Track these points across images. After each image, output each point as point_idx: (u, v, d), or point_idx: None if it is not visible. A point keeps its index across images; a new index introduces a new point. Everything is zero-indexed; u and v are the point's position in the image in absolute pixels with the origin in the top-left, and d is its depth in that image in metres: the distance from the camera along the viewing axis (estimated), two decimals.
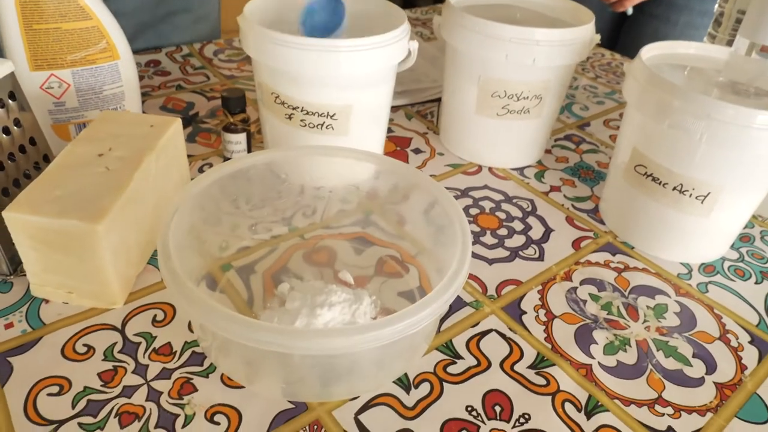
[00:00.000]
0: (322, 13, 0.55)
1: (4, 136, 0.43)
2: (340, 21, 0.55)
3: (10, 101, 0.44)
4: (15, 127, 0.44)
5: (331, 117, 0.52)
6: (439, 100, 0.76)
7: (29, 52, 0.51)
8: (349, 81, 0.51)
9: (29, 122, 0.46)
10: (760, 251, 0.55)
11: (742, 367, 0.43)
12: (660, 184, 0.49)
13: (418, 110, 0.74)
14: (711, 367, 0.43)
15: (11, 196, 0.44)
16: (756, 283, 0.51)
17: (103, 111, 0.50)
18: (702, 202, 0.48)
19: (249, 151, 0.60)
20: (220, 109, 0.70)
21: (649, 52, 0.52)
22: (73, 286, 0.42)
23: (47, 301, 0.43)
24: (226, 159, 0.60)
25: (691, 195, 0.48)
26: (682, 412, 0.39)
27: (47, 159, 0.48)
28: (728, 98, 0.47)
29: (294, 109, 0.52)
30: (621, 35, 1.12)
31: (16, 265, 0.44)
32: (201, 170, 0.59)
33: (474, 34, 0.55)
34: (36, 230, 0.39)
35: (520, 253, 0.52)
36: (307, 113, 0.52)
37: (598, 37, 0.58)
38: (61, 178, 0.41)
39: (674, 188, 0.48)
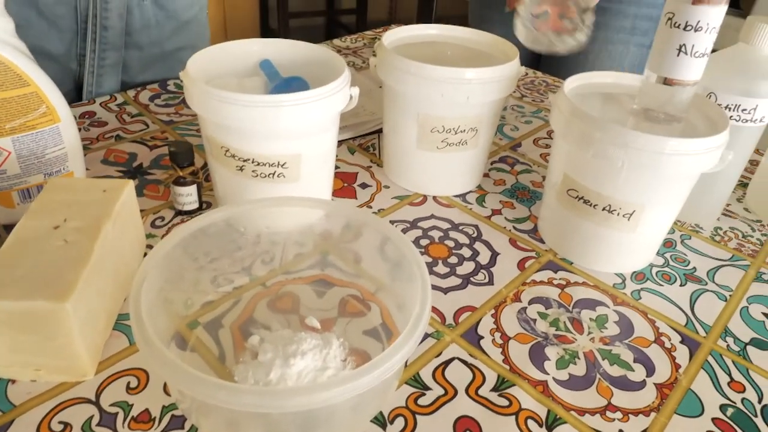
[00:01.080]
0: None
1: None
2: None
3: None
4: None
5: (282, 166, 0.54)
6: (379, 131, 0.79)
7: None
8: (296, 132, 0.53)
9: None
10: (681, 255, 0.61)
11: (676, 366, 0.48)
12: (590, 205, 0.54)
13: (360, 143, 0.77)
14: (650, 369, 0.47)
15: None
16: (681, 285, 0.57)
17: (51, 179, 0.49)
18: (628, 219, 0.53)
19: (200, 201, 0.61)
20: (164, 158, 0.70)
21: (571, 83, 0.57)
22: (40, 363, 0.42)
23: (14, 381, 0.42)
24: (177, 211, 0.61)
25: (618, 213, 0.53)
26: (629, 415, 0.44)
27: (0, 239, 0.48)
28: (642, 125, 0.53)
29: (245, 161, 0.53)
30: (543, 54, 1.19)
31: None
32: (153, 224, 0.59)
33: (410, 75, 0.58)
34: (1, 314, 0.39)
35: (472, 279, 0.55)
36: (258, 164, 0.54)
37: (524, 70, 0.63)
38: (19, 256, 0.41)
39: (603, 208, 0.53)
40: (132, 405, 0.41)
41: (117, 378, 0.43)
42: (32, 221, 0.45)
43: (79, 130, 0.72)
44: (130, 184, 0.50)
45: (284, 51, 0.62)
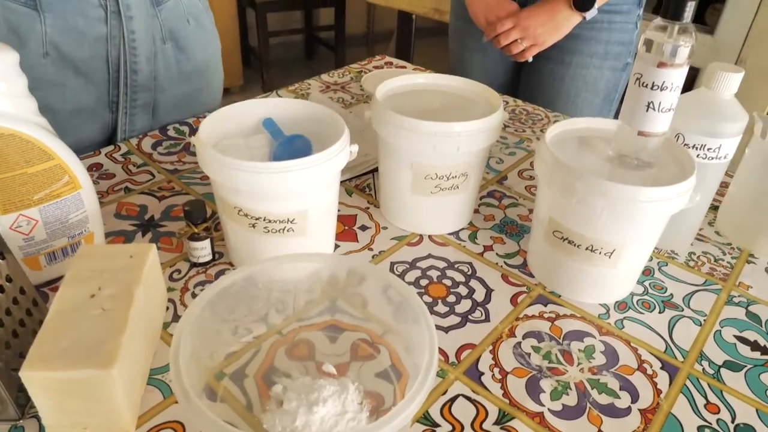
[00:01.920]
0: (288, 153, 0.63)
1: (0, 295, 0.47)
2: (308, 154, 0.61)
3: (1, 261, 0.47)
4: (7, 283, 0.48)
5: (291, 222, 0.59)
6: (372, 171, 0.84)
7: None
8: (303, 192, 0.57)
9: (18, 275, 0.49)
10: (659, 282, 0.66)
11: (657, 392, 0.53)
12: (574, 245, 0.59)
13: (356, 184, 0.81)
14: (635, 396, 0.53)
15: (12, 348, 0.47)
16: (660, 312, 0.62)
17: (81, 247, 0.53)
18: (609, 257, 0.58)
19: (213, 252, 0.65)
20: (174, 209, 0.74)
21: (552, 132, 0.63)
22: (87, 423, 0.46)
23: None
24: (192, 263, 0.65)
25: (600, 252, 0.58)
26: None
27: (35, 303, 0.52)
28: (617, 172, 0.58)
29: (257, 219, 0.58)
30: (522, 77, 1.24)
31: (22, 408, 0.48)
32: (171, 278, 0.63)
33: (404, 130, 0.63)
34: (51, 383, 0.43)
35: (469, 317, 0.60)
36: (269, 221, 0.58)
37: (506, 116, 0.68)
38: (63, 328, 0.45)
39: (586, 248, 0.58)
40: None
41: (156, 431, 0.47)
42: (69, 290, 0.49)
43: None
44: (153, 249, 0.54)
45: (285, 109, 0.67)
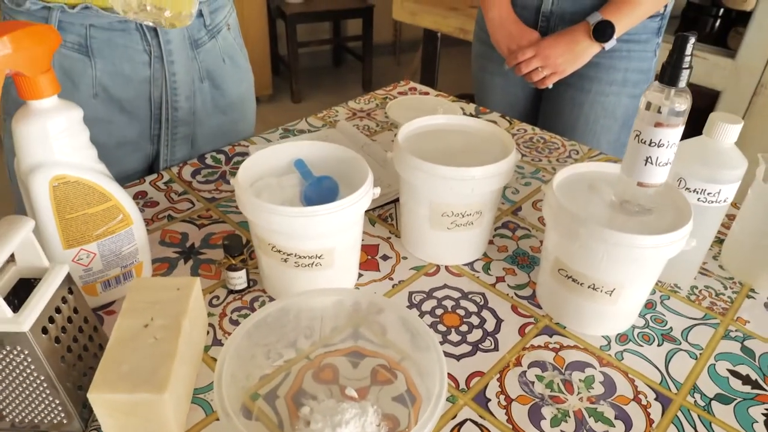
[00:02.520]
0: (317, 193, 0.69)
1: (68, 324, 0.54)
2: (335, 195, 0.70)
3: (69, 295, 0.55)
4: (74, 314, 0.55)
5: (319, 257, 0.65)
6: (395, 200, 0.90)
7: (63, 236, 0.62)
8: (330, 232, 0.64)
9: (81, 305, 0.57)
10: (660, 315, 0.71)
11: (650, 422, 0.58)
12: (578, 283, 0.64)
13: (379, 214, 0.88)
14: (629, 425, 0.58)
15: (77, 369, 0.55)
16: (658, 345, 0.67)
17: (134, 281, 0.61)
18: (610, 295, 0.63)
19: (248, 281, 0.72)
20: (212, 237, 0.81)
21: (560, 176, 0.68)
22: None
23: None
24: (229, 291, 0.72)
25: (601, 291, 0.63)
26: None
27: (96, 329, 0.59)
28: (619, 218, 0.63)
29: (288, 255, 0.65)
30: (542, 104, 1.29)
31: (86, 422, 0.55)
32: (210, 303, 0.70)
33: (423, 173, 0.69)
34: (114, 403, 0.50)
35: (480, 346, 0.66)
36: (300, 257, 0.65)
37: (519, 157, 0.74)
38: (122, 354, 0.53)
39: (588, 286, 0.63)
40: None
41: None
42: (126, 321, 0.56)
43: None
44: (197, 282, 0.61)
45: (315, 151, 0.73)
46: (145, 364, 0.52)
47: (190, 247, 0.79)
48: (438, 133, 0.80)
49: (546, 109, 1.29)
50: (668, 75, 0.56)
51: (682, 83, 0.56)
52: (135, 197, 0.89)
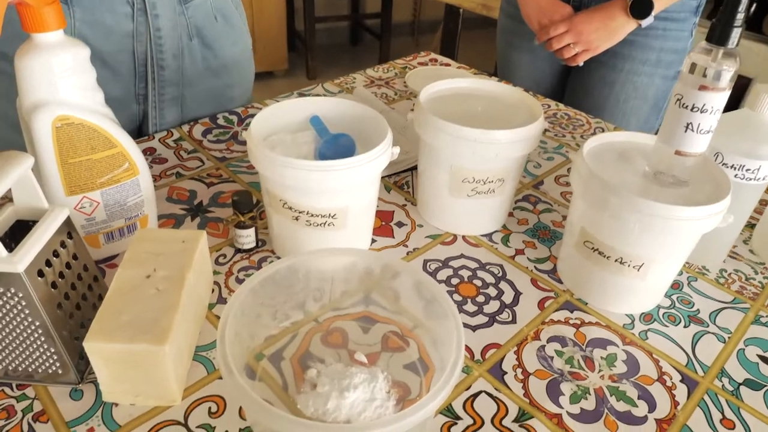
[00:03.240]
0: (332, 151, 0.66)
1: (67, 270, 0.51)
2: (351, 153, 0.66)
3: (68, 240, 0.52)
4: (73, 260, 0.53)
5: (332, 217, 0.62)
6: (412, 168, 0.86)
7: (65, 182, 0.59)
8: (345, 189, 0.60)
9: (82, 252, 0.54)
10: (687, 297, 0.67)
11: (675, 404, 0.55)
12: (604, 256, 0.61)
13: (395, 181, 0.84)
14: (652, 406, 0.55)
15: (75, 318, 0.52)
16: (684, 326, 0.63)
17: (139, 231, 0.58)
18: (638, 270, 0.60)
19: (257, 240, 0.69)
20: (221, 196, 0.78)
21: (590, 144, 0.64)
22: (139, 391, 0.50)
23: (116, 405, 0.51)
24: (237, 249, 0.69)
25: (629, 265, 0.60)
26: None
27: (96, 279, 0.56)
28: (652, 189, 0.59)
29: (300, 212, 0.61)
30: (569, 81, 1.25)
31: (82, 373, 0.52)
32: (217, 262, 0.67)
33: (445, 134, 0.65)
34: (110, 353, 0.47)
35: (497, 317, 0.63)
36: (312, 215, 0.62)
37: (546, 125, 0.70)
38: (122, 304, 0.50)
39: (616, 260, 0.60)
40: (215, 427, 0.50)
41: (200, 403, 0.52)
42: (128, 271, 0.53)
43: None
44: (204, 236, 0.58)
45: (332, 107, 0.70)
46: (145, 314, 0.49)
47: (198, 205, 0.76)
48: (461, 96, 0.77)
49: (574, 88, 1.24)
50: (717, 34, 0.52)
51: (732, 43, 0.52)
52: (144, 153, 0.86)
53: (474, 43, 3.43)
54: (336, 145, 0.67)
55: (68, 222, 0.52)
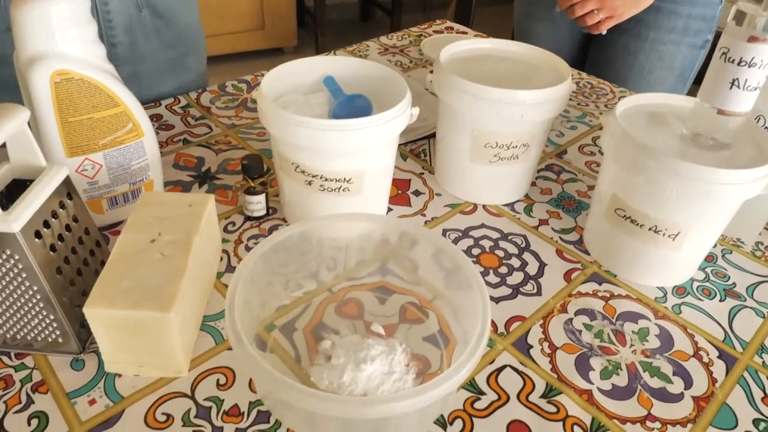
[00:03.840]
0: (347, 112, 0.61)
1: (67, 233, 0.48)
2: (368, 114, 0.61)
3: (68, 201, 0.49)
4: (74, 223, 0.49)
5: (347, 181, 0.58)
6: (430, 136, 0.82)
7: (65, 142, 0.56)
8: (361, 151, 0.57)
9: (83, 215, 0.51)
10: (722, 270, 0.64)
11: (713, 380, 0.51)
12: (637, 225, 0.57)
13: (411, 149, 0.80)
14: (688, 382, 0.51)
15: (76, 285, 0.49)
16: (720, 300, 0.60)
17: (143, 195, 0.54)
18: (673, 240, 0.56)
19: (267, 207, 0.66)
20: (229, 163, 0.75)
21: (622, 105, 0.60)
22: (143, 361, 0.48)
23: (119, 375, 0.48)
24: (247, 217, 0.66)
25: (664, 234, 0.56)
26: (667, 425, 0.48)
27: (99, 244, 0.53)
28: (691, 151, 0.55)
29: (313, 176, 0.58)
30: (591, 51, 1.19)
31: (84, 343, 0.50)
32: (226, 229, 0.64)
33: (467, 95, 0.61)
34: (112, 320, 0.44)
35: (521, 289, 0.59)
36: (326, 180, 0.58)
37: (573, 86, 0.66)
38: (124, 269, 0.47)
39: (649, 228, 0.56)
40: (223, 400, 0.47)
41: (208, 375, 0.49)
42: (131, 235, 0.50)
43: None
44: (212, 199, 0.55)
45: (346, 67, 0.66)
46: (149, 280, 0.46)
47: (206, 172, 0.73)
48: (482, 58, 0.72)
49: (595, 57, 1.19)
50: None
51: None
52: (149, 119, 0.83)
53: (487, 20, 3.36)
54: (351, 107, 0.63)
55: (68, 181, 0.49)
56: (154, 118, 0.83)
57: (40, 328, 0.48)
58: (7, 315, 0.47)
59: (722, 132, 0.55)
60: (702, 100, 0.54)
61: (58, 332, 0.48)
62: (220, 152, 0.77)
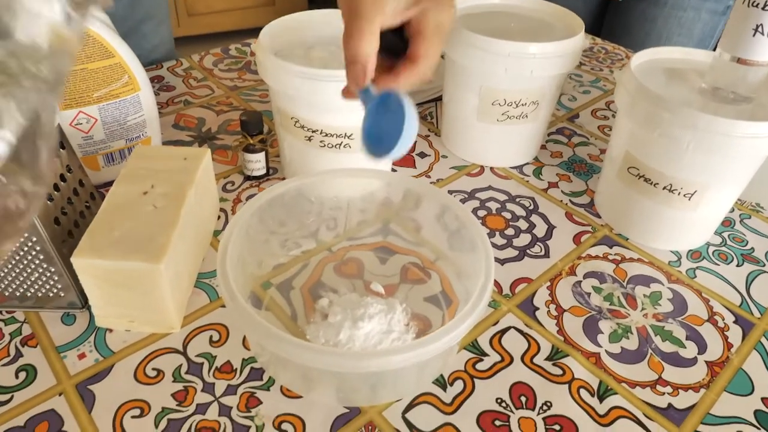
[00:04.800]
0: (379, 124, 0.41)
1: (62, 183, 0.47)
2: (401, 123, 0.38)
3: (61, 151, 0.47)
4: (68, 173, 0.48)
5: (348, 137, 0.56)
6: (436, 99, 0.80)
7: None
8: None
9: (76, 166, 0.49)
10: (740, 235, 0.61)
11: (728, 346, 0.49)
12: (651, 183, 0.54)
13: (418, 112, 0.78)
14: (702, 347, 0.49)
15: (75, 237, 0.47)
16: (737, 265, 0.57)
17: (137, 147, 0.53)
18: (689, 199, 0.53)
19: (267, 167, 0.64)
20: (230, 123, 0.73)
21: (638, 59, 0.57)
22: (134, 316, 0.46)
23: (111, 330, 0.47)
24: (246, 176, 0.64)
25: (679, 193, 0.53)
26: (679, 390, 0.45)
27: (93, 197, 0.52)
28: (710, 105, 0.52)
29: (313, 132, 0.56)
30: (606, 18, 1.15)
31: (86, 297, 0.48)
32: (224, 189, 0.62)
33: (475, 49, 0.58)
34: (101, 271, 0.43)
35: (528, 251, 0.57)
36: (326, 135, 0.56)
37: (587, 43, 0.63)
38: (115, 220, 0.45)
39: (664, 188, 0.53)
40: (216, 356, 0.45)
41: (201, 331, 0.47)
42: (123, 187, 0.48)
43: None
44: (208, 153, 0.53)
45: None
46: (140, 231, 0.44)
47: (206, 132, 0.71)
48: (491, 14, 0.69)
49: (612, 24, 1.15)
50: None
51: None
52: (150, 80, 0.81)
53: None
54: (385, 108, 0.40)
55: (59, 130, 0.47)
56: (155, 80, 0.81)
57: (41, 282, 0.46)
58: (7, 268, 0.46)
59: (743, 85, 0.52)
60: (723, 49, 0.51)
61: (59, 285, 0.47)
62: (221, 113, 0.75)
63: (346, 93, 0.42)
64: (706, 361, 0.48)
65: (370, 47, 0.38)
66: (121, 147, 0.60)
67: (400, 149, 0.38)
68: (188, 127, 0.72)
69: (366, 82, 0.39)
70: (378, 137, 0.40)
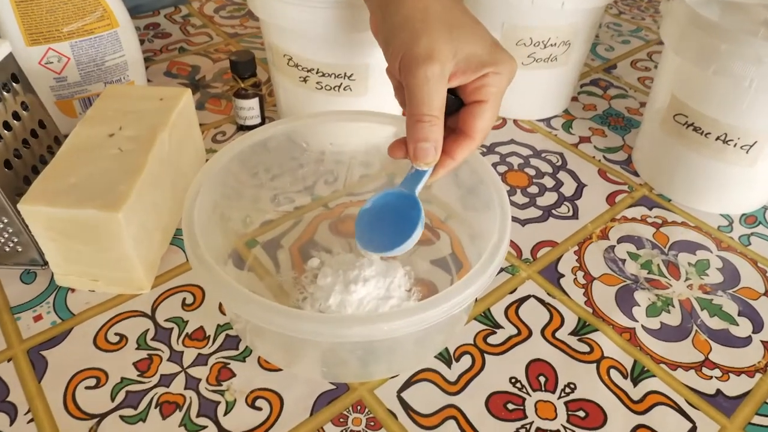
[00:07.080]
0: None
1: (15, 122, 0.41)
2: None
3: (14, 84, 0.41)
4: (23, 111, 0.42)
5: (349, 78, 0.49)
6: None
7: (23, 26, 0.48)
8: (366, 37, 0.47)
9: (35, 104, 0.44)
10: None
11: None
12: (702, 134, 0.46)
13: None
14: (758, 325, 0.41)
15: (31, 183, 0.42)
16: None
17: (108, 86, 0.47)
18: (747, 152, 0.45)
19: (262, 116, 0.57)
20: (227, 72, 0.66)
21: None
22: (97, 274, 0.41)
23: (73, 290, 0.41)
24: (239, 126, 0.58)
25: (735, 145, 0.45)
26: (730, 374, 0.38)
27: (58, 141, 0.46)
28: None
29: (308, 71, 0.49)
30: None
31: None
32: (214, 139, 0.56)
33: None
34: (53, 221, 0.37)
35: (553, 211, 0.50)
36: (323, 75, 0.49)
37: None
38: (73, 164, 0.39)
39: (717, 138, 0.45)
40: (187, 322, 0.40)
41: (173, 293, 0.42)
42: (87, 128, 0.42)
43: (143, 42, 0.70)
44: (188, 93, 0.47)
45: None
46: (101, 178, 0.38)
47: (200, 80, 0.65)
48: None
49: None
50: None
51: None
52: (145, 28, 0.75)
53: None
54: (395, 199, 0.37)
55: (12, 61, 0.41)
56: (151, 27, 0.75)
57: None
58: None
59: None
60: None
61: (15, 239, 0.41)
62: (218, 61, 0.69)
63: (396, 151, 0.36)
64: (762, 341, 0.40)
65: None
66: (100, 91, 0.54)
67: (403, 249, 0.35)
68: (181, 75, 0.66)
69: (436, 160, 0.34)
70: (380, 229, 0.37)
